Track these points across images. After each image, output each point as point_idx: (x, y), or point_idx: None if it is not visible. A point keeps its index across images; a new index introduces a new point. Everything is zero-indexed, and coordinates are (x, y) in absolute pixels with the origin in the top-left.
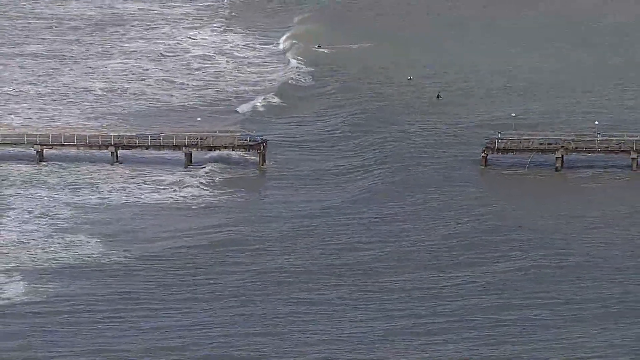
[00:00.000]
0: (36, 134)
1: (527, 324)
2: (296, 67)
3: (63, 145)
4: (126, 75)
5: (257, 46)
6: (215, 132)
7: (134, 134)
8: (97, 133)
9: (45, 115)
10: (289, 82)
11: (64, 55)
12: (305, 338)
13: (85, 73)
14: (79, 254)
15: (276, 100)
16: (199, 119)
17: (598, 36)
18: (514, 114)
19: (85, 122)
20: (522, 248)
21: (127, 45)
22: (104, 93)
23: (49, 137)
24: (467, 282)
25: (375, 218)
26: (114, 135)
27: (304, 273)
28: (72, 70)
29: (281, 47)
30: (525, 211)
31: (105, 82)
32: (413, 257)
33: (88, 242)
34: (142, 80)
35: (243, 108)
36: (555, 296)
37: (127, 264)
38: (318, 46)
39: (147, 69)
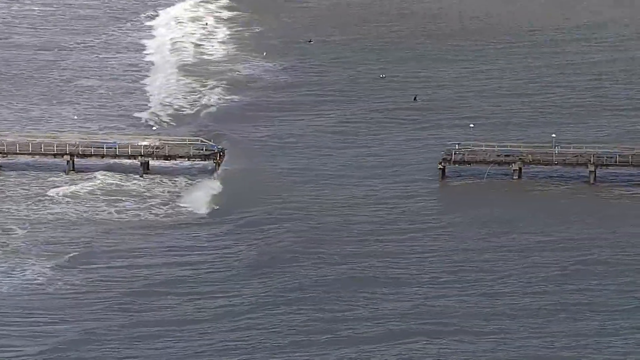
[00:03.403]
0: None
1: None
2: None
3: (17, 153)
4: (136, 71)
5: None
6: (173, 140)
7: (89, 142)
8: (52, 141)
9: (27, 117)
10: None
11: (63, 48)
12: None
13: (85, 69)
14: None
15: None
16: (154, 127)
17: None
18: (472, 125)
19: (82, 126)
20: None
21: (141, 35)
22: (107, 92)
23: (4, 146)
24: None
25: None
26: (69, 144)
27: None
28: (70, 65)
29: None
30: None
31: (108, 79)
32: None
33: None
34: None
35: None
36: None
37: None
38: (309, 41)
39: (158, 64)
